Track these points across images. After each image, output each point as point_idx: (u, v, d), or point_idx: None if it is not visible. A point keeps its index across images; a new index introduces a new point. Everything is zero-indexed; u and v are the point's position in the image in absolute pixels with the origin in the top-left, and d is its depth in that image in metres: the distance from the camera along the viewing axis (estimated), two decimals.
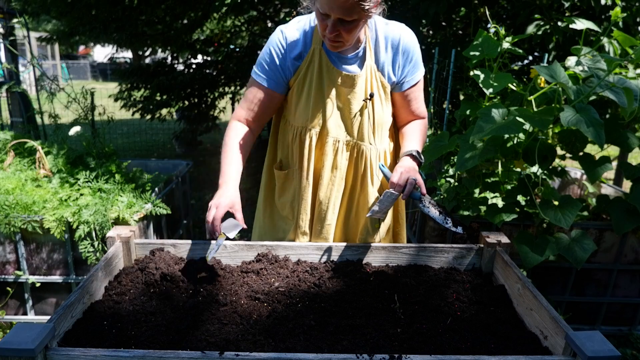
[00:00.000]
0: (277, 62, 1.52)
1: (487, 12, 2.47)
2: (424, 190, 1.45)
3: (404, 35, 1.52)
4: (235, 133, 1.58)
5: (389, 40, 1.52)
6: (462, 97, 2.53)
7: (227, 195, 1.44)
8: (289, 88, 1.58)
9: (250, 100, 1.57)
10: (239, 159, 1.54)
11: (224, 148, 1.56)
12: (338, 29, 1.35)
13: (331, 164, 1.60)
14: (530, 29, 2.99)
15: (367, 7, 1.30)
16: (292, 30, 1.52)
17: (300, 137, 1.60)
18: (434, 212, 1.44)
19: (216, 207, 1.40)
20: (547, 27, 2.95)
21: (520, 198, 2.25)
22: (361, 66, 1.53)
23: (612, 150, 4.99)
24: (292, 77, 1.55)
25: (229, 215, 1.44)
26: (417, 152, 1.54)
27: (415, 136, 1.61)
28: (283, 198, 1.72)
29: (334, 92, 1.53)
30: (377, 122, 1.58)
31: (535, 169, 2.14)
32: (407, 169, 1.45)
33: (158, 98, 5.68)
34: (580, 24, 1.96)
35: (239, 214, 1.44)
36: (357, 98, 1.54)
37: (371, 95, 1.54)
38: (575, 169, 3.14)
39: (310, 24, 1.53)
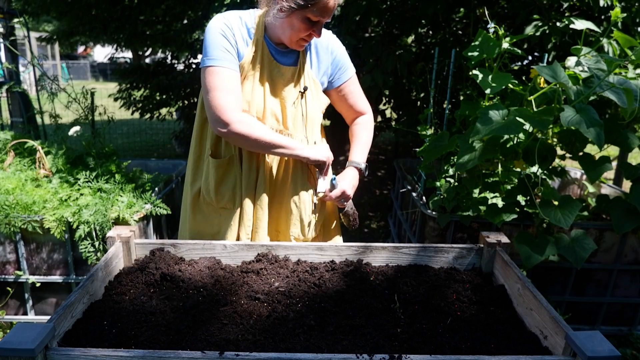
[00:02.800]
0: (228, 41, 1.51)
1: (487, 12, 2.47)
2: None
3: (330, 39, 1.69)
4: (254, 121, 1.55)
5: (318, 42, 1.66)
6: (462, 97, 2.54)
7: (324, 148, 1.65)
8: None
9: (226, 87, 1.49)
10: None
11: (267, 136, 1.53)
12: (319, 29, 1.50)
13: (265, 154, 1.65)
14: (529, 29, 2.99)
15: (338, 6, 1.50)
16: (232, 17, 1.55)
17: None
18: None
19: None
20: (546, 27, 2.95)
21: (520, 198, 2.25)
22: (296, 63, 1.63)
23: (612, 150, 4.99)
24: (240, 60, 1.56)
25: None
26: (365, 166, 1.77)
27: (361, 143, 1.79)
28: (223, 187, 1.67)
29: (273, 83, 1.60)
30: (309, 115, 1.67)
31: (535, 169, 2.14)
32: (349, 185, 1.71)
33: (158, 98, 5.68)
34: (580, 24, 1.96)
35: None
36: (292, 91, 1.62)
37: (305, 88, 1.63)
38: (575, 169, 3.14)
39: (245, 15, 1.58)
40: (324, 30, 1.66)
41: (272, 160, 1.67)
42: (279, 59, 1.60)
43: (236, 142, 1.59)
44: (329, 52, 1.67)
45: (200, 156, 1.72)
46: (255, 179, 1.67)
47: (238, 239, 1.70)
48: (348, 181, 1.72)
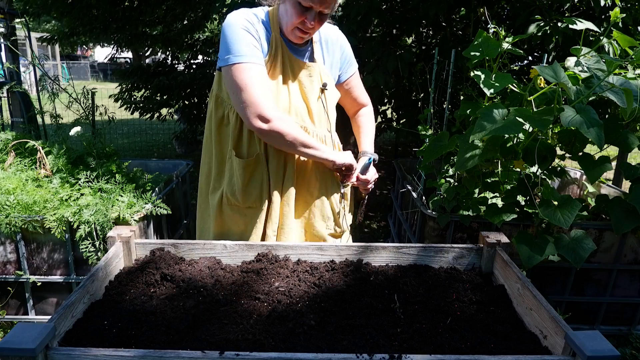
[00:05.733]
0: (253, 35, 1.48)
1: (487, 13, 2.47)
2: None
3: (338, 33, 1.71)
4: (291, 122, 1.52)
5: (327, 37, 1.68)
6: (461, 98, 2.53)
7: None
8: None
9: (259, 83, 1.44)
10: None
11: (302, 135, 1.52)
12: (315, 20, 1.46)
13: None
14: (532, 28, 2.98)
15: (339, 1, 1.45)
16: (250, 14, 1.52)
17: None
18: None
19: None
20: (547, 27, 2.96)
21: (520, 198, 2.25)
22: (312, 57, 1.64)
23: (612, 150, 4.99)
24: (265, 57, 1.53)
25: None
26: (377, 156, 1.81)
27: (370, 133, 1.86)
28: (250, 186, 1.62)
29: (296, 81, 1.60)
30: (329, 111, 1.70)
31: (535, 169, 2.14)
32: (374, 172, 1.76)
33: (158, 98, 5.69)
34: (580, 25, 1.96)
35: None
36: (314, 87, 1.62)
37: (324, 85, 1.64)
38: (575, 169, 3.14)
39: (260, 12, 1.55)
40: (329, 26, 1.68)
41: (299, 156, 1.66)
42: (297, 55, 1.60)
43: (272, 140, 1.52)
44: (338, 46, 1.69)
45: (224, 159, 1.65)
46: (283, 175, 1.64)
47: (264, 236, 1.68)
48: (375, 170, 1.78)
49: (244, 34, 1.46)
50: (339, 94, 1.77)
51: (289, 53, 1.57)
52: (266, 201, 1.65)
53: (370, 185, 1.76)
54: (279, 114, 1.48)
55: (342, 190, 1.78)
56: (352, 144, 4.77)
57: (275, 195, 1.65)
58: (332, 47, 1.68)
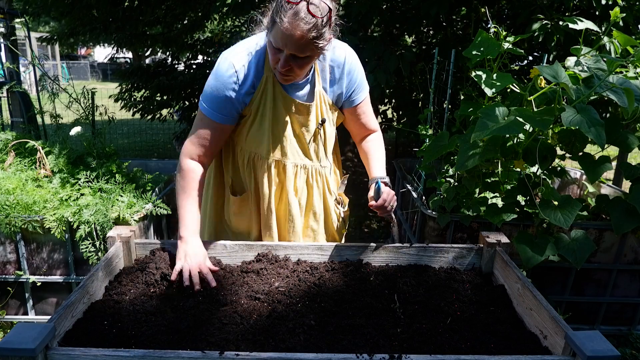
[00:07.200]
0: (229, 96, 1.46)
1: (487, 12, 2.47)
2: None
3: (348, 58, 1.56)
4: (192, 176, 1.53)
5: (335, 63, 1.55)
6: (461, 97, 2.53)
7: (196, 250, 1.44)
8: (241, 117, 1.56)
9: (203, 137, 1.51)
10: (197, 206, 1.53)
11: (182, 193, 1.53)
12: (290, 63, 1.36)
13: (293, 188, 1.65)
14: (535, 25, 2.98)
15: (320, 45, 1.32)
16: (241, 60, 1.46)
17: (254, 162, 1.62)
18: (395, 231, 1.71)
19: (198, 265, 1.40)
20: (549, 26, 2.95)
21: (520, 198, 2.25)
22: (312, 91, 1.56)
23: (612, 150, 4.99)
24: (245, 107, 1.52)
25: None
26: (387, 179, 1.64)
27: (381, 159, 1.70)
28: (238, 217, 1.72)
29: (289, 119, 1.56)
30: (327, 143, 1.66)
31: (535, 169, 2.14)
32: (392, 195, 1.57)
33: (158, 98, 5.69)
34: (581, 24, 1.96)
35: (210, 264, 1.44)
36: (310, 124, 1.59)
37: (323, 121, 1.60)
38: (575, 169, 3.14)
39: (260, 50, 1.48)
40: (341, 48, 1.55)
41: (291, 204, 1.65)
42: (293, 93, 1.53)
43: None
44: (345, 72, 1.57)
45: (221, 178, 1.74)
46: (273, 218, 1.67)
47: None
48: (388, 190, 1.60)
49: (220, 87, 1.46)
50: (343, 117, 1.69)
51: (282, 92, 1.51)
52: (255, 237, 1.73)
53: (391, 206, 1.57)
54: (188, 166, 1.54)
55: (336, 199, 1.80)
56: (352, 144, 4.76)
57: (266, 235, 1.71)
58: (339, 73, 1.56)
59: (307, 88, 1.55)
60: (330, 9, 1.29)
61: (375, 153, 1.71)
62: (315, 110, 1.58)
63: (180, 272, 1.37)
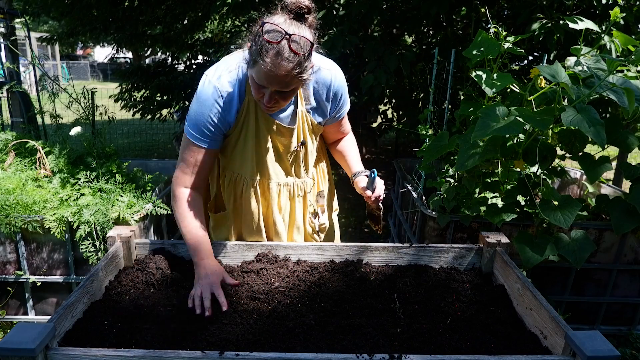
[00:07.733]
0: (216, 122, 1.46)
1: (487, 12, 2.47)
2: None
3: (334, 80, 1.54)
4: (188, 205, 1.51)
5: (319, 84, 1.53)
6: (461, 97, 2.53)
7: (208, 272, 1.39)
8: (225, 136, 1.55)
9: (193, 164, 1.51)
10: (200, 228, 1.50)
11: (182, 221, 1.50)
12: (275, 97, 1.35)
13: (277, 206, 1.66)
14: (535, 25, 2.98)
15: (304, 77, 1.31)
16: (225, 85, 1.45)
17: (235, 183, 1.63)
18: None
19: (210, 286, 1.34)
20: (549, 25, 2.95)
21: (520, 198, 2.25)
22: (294, 112, 1.55)
23: (612, 150, 4.99)
24: (229, 129, 1.52)
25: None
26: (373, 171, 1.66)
27: (357, 155, 1.77)
28: (217, 230, 1.76)
29: (271, 140, 1.57)
30: (309, 159, 1.68)
31: (535, 169, 2.14)
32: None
33: (158, 98, 5.69)
34: (581, 24, 1.96)
35: (229, 279, 1.42)
36: (292, 145, 1.59)
37: (303, 143, 1.61)
38: (575, 169, 3.14)
39: (242, 71, 1.46)
40: (327, 67, 1.52)
41: (276, 222, 1.68)
42: (275, 114, 1.52)
43: None
44: (332, 94, 1.56)
45: (207, 193, 1.75)
46: (263, 236, 1.70)
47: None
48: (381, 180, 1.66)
49: (205, 114, 1.45)
50: (322, 128, 1.69)
51: (264, 114, 1.50)
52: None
53: (381, 197, 1.59)
54: (182, 194, 1.52)
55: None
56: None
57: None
58: (325, 94, 1.55)
59: (290, 109, 1.54)
60: (311, 43, 1.27)
61: (353, 151, 1.78)
62: (297, 132, 1.58)
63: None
